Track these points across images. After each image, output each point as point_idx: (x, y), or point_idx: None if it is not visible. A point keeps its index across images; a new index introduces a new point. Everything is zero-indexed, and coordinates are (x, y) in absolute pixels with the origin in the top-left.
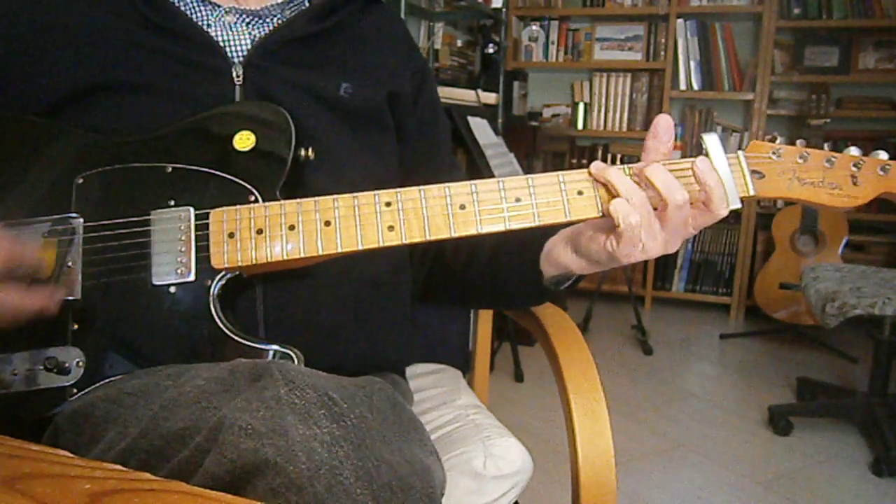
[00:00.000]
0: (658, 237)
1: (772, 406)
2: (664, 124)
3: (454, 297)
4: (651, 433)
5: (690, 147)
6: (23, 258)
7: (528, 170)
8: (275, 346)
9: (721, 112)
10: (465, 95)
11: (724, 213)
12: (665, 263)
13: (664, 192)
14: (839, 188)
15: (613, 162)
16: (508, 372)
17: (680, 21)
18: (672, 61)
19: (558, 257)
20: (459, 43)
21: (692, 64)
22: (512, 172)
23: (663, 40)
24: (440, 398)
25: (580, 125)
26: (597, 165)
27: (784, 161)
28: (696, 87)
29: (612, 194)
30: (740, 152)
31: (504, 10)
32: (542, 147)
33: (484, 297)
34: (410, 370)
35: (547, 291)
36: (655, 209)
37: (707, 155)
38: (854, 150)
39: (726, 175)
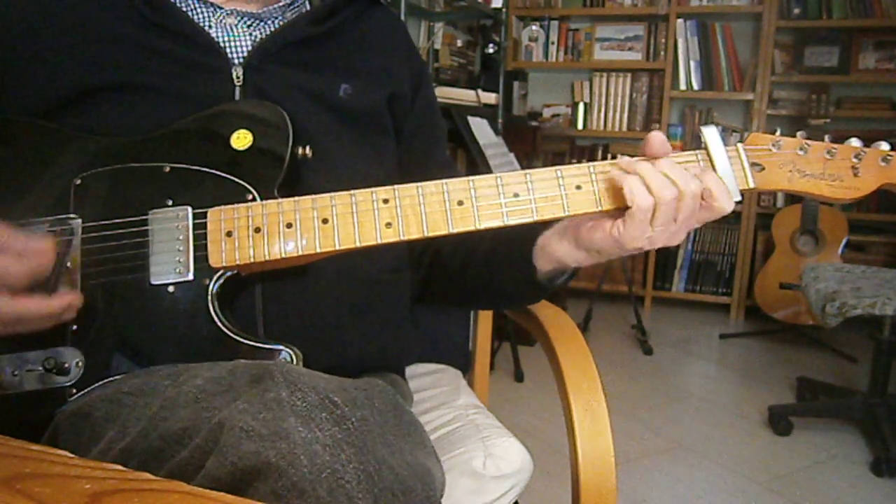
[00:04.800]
0: (670, 227)
1: (772, 406)
2: (658, 141)
3: (452, 298)
4: (651, 433)
5: (690, 147)
6: (43, 270)
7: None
8: (273, 345)
9: (721, 112)
10: (465, 95)
11: (730, 207)
12: (665, 263)
13: (681, 184)
14: (840, 180)
15: None
16: (508, 372)
17: (680, 21)
18: (672, 61)
19: (553, 251)
20: (459, 43)
21: (692, 64)
22: None
23: (663, 40)
24: (440, 398)
25: (580, 125)
26: (625, 160)
27: (784, 153)
28: (696, 87)
29: (614, 188)
30: (739, 145)
31: (504, 10)
32: (542, 147)
33: (481, 297)
34: (410, 370)
35: (542, 287)
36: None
37: (706, 148)
38: (855, 141)
39: (726, 168)
